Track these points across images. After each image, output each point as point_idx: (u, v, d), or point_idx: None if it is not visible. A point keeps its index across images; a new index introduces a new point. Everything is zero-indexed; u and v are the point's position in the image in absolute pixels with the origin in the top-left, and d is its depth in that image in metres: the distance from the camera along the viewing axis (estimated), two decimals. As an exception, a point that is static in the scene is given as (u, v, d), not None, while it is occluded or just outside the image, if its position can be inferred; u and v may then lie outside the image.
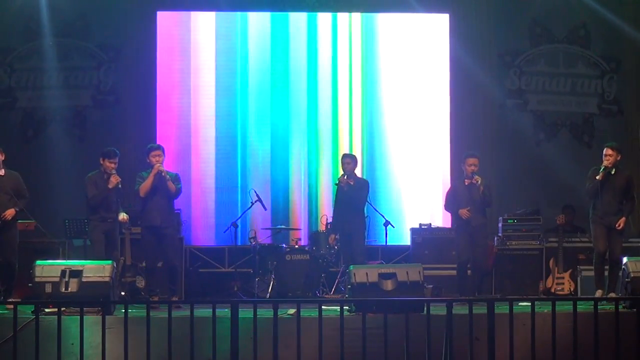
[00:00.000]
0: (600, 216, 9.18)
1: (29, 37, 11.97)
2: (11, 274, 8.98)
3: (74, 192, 11.35)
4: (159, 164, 9.17)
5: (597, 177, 9.11)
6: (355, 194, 9.94)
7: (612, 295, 8.89)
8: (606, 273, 9.26)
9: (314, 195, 12.05)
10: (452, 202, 9.65)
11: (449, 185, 11.07)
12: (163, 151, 9.39)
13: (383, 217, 10.55)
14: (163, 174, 9.19)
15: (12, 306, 6.86)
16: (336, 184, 10.15)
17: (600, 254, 9.19)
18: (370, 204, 10.43)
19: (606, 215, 9.16)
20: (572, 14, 12.39)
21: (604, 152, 9.25)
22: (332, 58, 12.24)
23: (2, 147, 9.07)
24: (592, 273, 9.40)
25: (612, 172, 9.15)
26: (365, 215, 10.32)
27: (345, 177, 9.97)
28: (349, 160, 10.09)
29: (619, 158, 9.21)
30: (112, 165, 9.22)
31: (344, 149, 11.98)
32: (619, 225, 9.13)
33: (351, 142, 12.11)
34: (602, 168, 9.13)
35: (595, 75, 12.51)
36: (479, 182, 9.38)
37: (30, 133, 12.00)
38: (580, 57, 12.51)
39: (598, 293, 9.10)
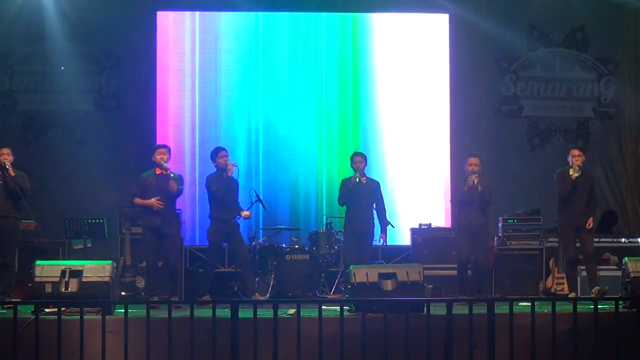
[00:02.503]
0: (570, 218, 9.29)
1: (30, 41, 11.94)
2: (10, 274, 8.93)
3: (74, 193, 11.41)
4: (157, 203, 9.18)
5: (572, 174, 9.21)
6: (370, 194, 9.89)
7: (597, 288, 8.98)
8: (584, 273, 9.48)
9: (313, 195, 12.04)
10: (458, 194, 9.60)
11: (448, 186, 11.10)
12: (169, 150, 9.45)
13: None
14: (169, 173, 9.23)
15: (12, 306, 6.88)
16: (344, 181, 10.03)
17: (570, 260, 9.34)
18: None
19: (576, 216, 9.27)
20: (570, 17, 12.38)
21: (571, 153, 9.39)
22: (332, 58, 12.24)
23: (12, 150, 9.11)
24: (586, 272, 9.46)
25: (581, 174, 9.28)
26: None
27: (363, 177, 9.84)
28: (360, 158, 9.97)
29: (584, 159, 9.40)
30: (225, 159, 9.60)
31: (344, 149, 11.98)
32: (589, 225, 9.28)
33: (351, 142, 12.10)
34: (577, 167, 9.23)
35: (591, 79, 12.50)
36: (476, 182, 9.38)
37: (31, 135, 11.97)
38: (577, 60, 12.51)
39: (572, 295, 9.22)
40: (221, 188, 9.59)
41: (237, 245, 9.76)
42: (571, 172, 9.24)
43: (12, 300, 8.45)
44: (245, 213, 9.87)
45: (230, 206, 9.65)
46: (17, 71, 11.96)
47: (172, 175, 9.25)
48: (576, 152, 9.37)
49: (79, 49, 11.92)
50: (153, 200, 9.18)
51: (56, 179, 11.57)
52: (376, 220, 10.13)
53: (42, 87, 11.96)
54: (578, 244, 9.38)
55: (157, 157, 9.28)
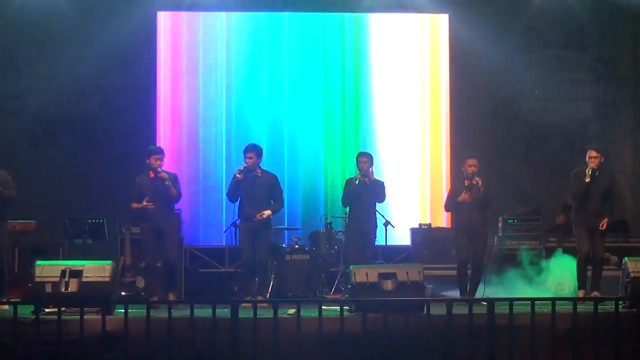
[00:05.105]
0: (584, 217, 9.23)
1: (35, 43, 11.94)
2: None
3: (74, 193, 11.42)
4: (148, 204, 9.16)
5: (587, 180, 9.12)
6: (372, 194, 9.88)
7: (596, 294, 8.95)
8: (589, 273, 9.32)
9: (314, 195, 12.04)
10: (452, 202, 9.63)
11: (448, 186, 11.08)
12: (163, 154, 9.42)
13: (383, 217, 10.54)
14: (167, 182, 9.23)
15: (5, 307, 6.90)
16: (348, 181, 9.95)
17: (583, 255, 9.25)
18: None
19: (590, 216, 9.20)
20: (568, 18, 12.35)
21: (588, 155, 9.27)
22: (333, 58, 12.24)
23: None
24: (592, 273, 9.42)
25: (597, 174, 9.18)
26: None
27: (367, 178, 9.76)
28: (365, 159, 9.86)
29: (602, 159, 9.26)
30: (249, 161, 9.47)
31: (345, 149, 12.00)
32: (602, 226, 9.18)
33: (353, 142, 12.11)
34: (591, 171, 9.15)
35: (590, 80, 12.48)
36: (480, 183, 9.37)
37: (40, 138, 11.97)
38: (576, 61, 12.49)
39: (580, 293, 9.13)
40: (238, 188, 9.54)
41: (258, 245, 9.57)
42: (586, 176, 9.13)
43: (12, 300, 8.43)
44: (261, 214, 9.46)
45: (254, 204, 9.57)
46: (24, 73, 11.97)
47: (168, 183, 9.25)
48: (592, 153, 9.21)
49: (81, 52, 11.92)
50: (144, 202, 9.20)
51: (59, 180, 11.57)
52: (379, 221, 10.12)
53: (49, 89, 11.96)
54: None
55: (154, 162, 9.26)
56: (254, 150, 9.58)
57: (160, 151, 9.41)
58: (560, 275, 10.06)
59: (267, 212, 9.50)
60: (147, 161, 9.30)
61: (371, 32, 12.33)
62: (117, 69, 12.01)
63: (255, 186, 9.48)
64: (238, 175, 9.43)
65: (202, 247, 11.60)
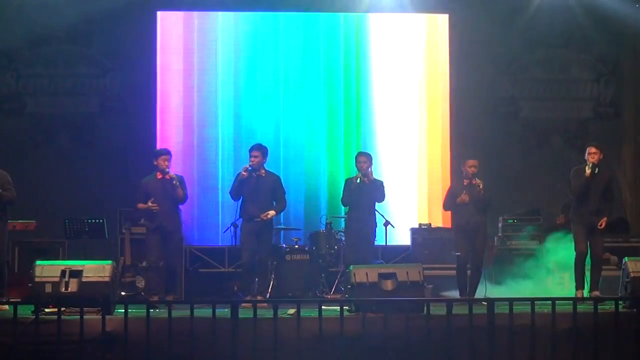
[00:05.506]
0: (582, 216, 9.22)
1: (34, 43, 11.94)
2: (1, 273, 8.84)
3: (75, 193, 11.42)
4: (153, 205, 9.22)
5: (587, 174, 9.11)
6: (371, 194, 9.88)
7: (596, 294, 8.95)
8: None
9: (314, 195, 12.04)
10: (451, 201, 9.63)
11: (448, 186, 11.08)
12: (171, 155, 9.53)
13: (383, 217, 10.54)
14: (174, 182, 9.30)
15: (6, 307, 6.88)
16: (347, 181, 9.97)
17: (581, 254, 9.22)
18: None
19: (588, 215, 9.19)
20: (569, 17, 12.35)
21: (587, 151, 9.27)
22: (333, 58, 12.24)
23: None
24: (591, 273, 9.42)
25: (596, 172, 9.17)
26: None
27: (366, 178, 9.78)
28: (364, 158, 9.90)
29: (601, 157, 9.25)
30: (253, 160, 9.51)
31: (346, 149, 12.00)
32: (601, 225, 9.17)
33: (354, 142, 12.11)
34: (591, 164, 9.15)
35: (591, 79, 12.50)
36: (481, 186, 9.37)
37: (40, 138, 11.98)
38: (576, 61, 12.50)
39: (578, 293, 9.12)
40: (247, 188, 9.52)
41: (260, 245, 9.59)
42: (587, 169, 9.14)
43: (12, 300, 8.42)
44: (265, 214, 9.49)
45: (257, 204, 9.56)
46: (23, 74, 11.99)
47: (176, 184, 9.30)
48: (592, 149, 9.21)
49: (81, 51, 11.93)
50: (149, 203, 9.28)
51: (59, 180, 11.58)
52: (378, 220, 10.12)
53: (48, 90, 11.97)
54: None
55: (162, 163, 9.36)
56: (259, 149, 9.62)
57: (167, 152, 9.56)
58: (558, 259, 10.09)
59: (272, 213, 9.54)
60: (155, 162, 9.39)
61: (371, 32, 12.33)
62: (117, 69, 12.03)
63: (259, 186, 9.52)
64: (243, 173, 9.49)
65: (202, 247, 11.61)
